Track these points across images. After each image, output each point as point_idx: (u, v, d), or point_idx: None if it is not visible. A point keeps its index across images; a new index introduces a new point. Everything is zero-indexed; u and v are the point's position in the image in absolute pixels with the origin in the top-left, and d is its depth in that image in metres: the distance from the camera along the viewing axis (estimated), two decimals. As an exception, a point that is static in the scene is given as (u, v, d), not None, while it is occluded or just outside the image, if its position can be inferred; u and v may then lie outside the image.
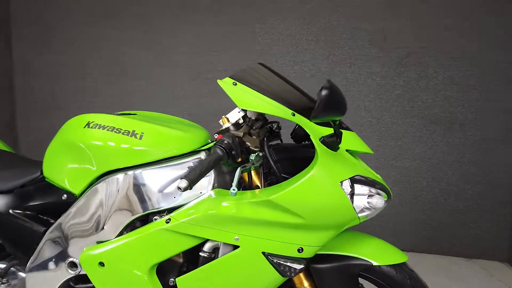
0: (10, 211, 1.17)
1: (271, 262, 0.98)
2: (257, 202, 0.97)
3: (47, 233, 1.13)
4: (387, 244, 1.13)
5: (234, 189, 0.96)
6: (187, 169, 1.05)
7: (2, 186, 1.19)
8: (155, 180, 1.05)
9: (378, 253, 1.08)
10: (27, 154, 3.12)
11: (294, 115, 1.05)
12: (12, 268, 1.21)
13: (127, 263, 1.03)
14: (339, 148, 1.02)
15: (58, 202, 1.14)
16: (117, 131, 1.06)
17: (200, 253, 1.04)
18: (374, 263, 1.05)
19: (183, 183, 0.86)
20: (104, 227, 1.07)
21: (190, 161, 1.07)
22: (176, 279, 1.04)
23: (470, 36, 2.43)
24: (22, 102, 3.14)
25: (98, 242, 1.09)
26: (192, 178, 0.87)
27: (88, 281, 1.12)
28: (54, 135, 1.17)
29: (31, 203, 1.17)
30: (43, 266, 1.13)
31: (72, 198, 1.12)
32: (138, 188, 1.05)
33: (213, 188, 1.07)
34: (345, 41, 2.62)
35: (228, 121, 1.09)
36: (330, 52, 2.65)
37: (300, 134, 1.19)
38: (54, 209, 1.15)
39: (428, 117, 2.56)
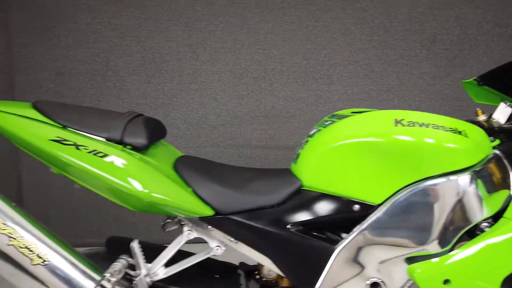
0: (289, 227, 0.94)
1: None
2: None
3: (336, 250, 0.93)
4: None
5: None
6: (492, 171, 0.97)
7: (266, 201, 0.95)
8: (478, 185, 0.94)
9: None
10: (30, 166, 2.60)
11: None
12: None
13: (478, 278, 0.91)
14: None
15: (344, 214, 0.95)
16: (444, 129, 0.93)
17: None
18: None
19: None
20: (428, 240, 0.92)
21: (490, 163, 0.98)
22: None
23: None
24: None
25: (409, 258, 0.94)
26: None
27: None
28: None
29: (306, 218, 0.96)
30: None
31: (368, 209, 0.94)
32: (467, 196, 0.93)
33: None
34: (397, 42, 2.67)
35: None
36: (383, 52, 2.68)
37: None
38: (336, 223, 0.96)
39: (473, 115, 2.72)
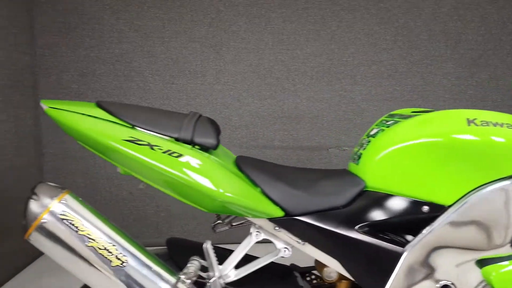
0: (357, 228, 0.93)
1: None
2: None
3: (405, 252, 0.91)
4: None
5: None
6: None
7: (333, 203, 0.94)
8: None
9: None
10: (53, 165, 2.59)
11: None
12: None
13: None
14: None
15: (412, 215, 0.93)
16: None
17: None
18: None
19: None
20: (502, 242, 0.90)
21: None
22: None
23: (535, 40, 2.64)
24: (47, 104, 2.58)
25: (481, 260, 0.92)
26: None
27: None
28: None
29: (373, 220, 0.94)
30: None
31: (438, 210, 0.92)
32: None
33: None
34: (421, 42, 2.66)
35: None
36: (408, 52, 2.66)
37: None
38: (404, 224, 0.94)
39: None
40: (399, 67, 2.66)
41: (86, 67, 2.58)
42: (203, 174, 0.83)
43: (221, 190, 0.83)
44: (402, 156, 0.93)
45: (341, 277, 1.01)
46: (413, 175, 0.93)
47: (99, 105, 0.90)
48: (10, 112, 2.26)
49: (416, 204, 0.93)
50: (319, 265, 1.03)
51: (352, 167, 1.04)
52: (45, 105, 0.86)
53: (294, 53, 2.64)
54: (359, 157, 1.01)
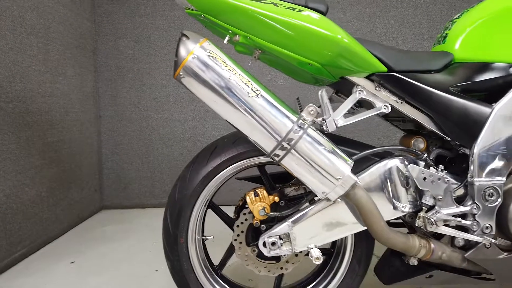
0: (451, 88, 1.02)
1: None
2: None
3: (495, 108, 0.98)
4: None
5: None
6: None
7: (428, 66, 1.03)
8: None
9: None
10: (108, 127, 2.74)
11: None
12: None
13: None
14: None
15: (501, 78, 1.01)
16: None
17: None
18: None
19: None
20: None
21: None
22: None
23: None
24: (105, 68, 2.75)
25: None
26: None
27: None
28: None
29: (465, 82, 1.02)
30: None
31: None
32: None
33: None
34: (461, 3, 2.75)
35: None
36: (447, 14, 2.75)
37: None
38: (493, 87, 1.02)
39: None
40: (439, 28, 2.75)
41: (141, 33, 2.75)
42: (325, 23, 0.94)
43: (339, 36, 0.94)
44: (492, 25, 1.03)
45: (426, 149, 1.11)
46: (504, 42, 1.02)
47: None
48: (77, 70, 2.43)
49: (504, 68, 1.01)
50: (406, 140, 1.13)
51: (437, 48, 1.14)
52: None
53: (337, 16, 2.76)
54: (445, 37, 1.11)
